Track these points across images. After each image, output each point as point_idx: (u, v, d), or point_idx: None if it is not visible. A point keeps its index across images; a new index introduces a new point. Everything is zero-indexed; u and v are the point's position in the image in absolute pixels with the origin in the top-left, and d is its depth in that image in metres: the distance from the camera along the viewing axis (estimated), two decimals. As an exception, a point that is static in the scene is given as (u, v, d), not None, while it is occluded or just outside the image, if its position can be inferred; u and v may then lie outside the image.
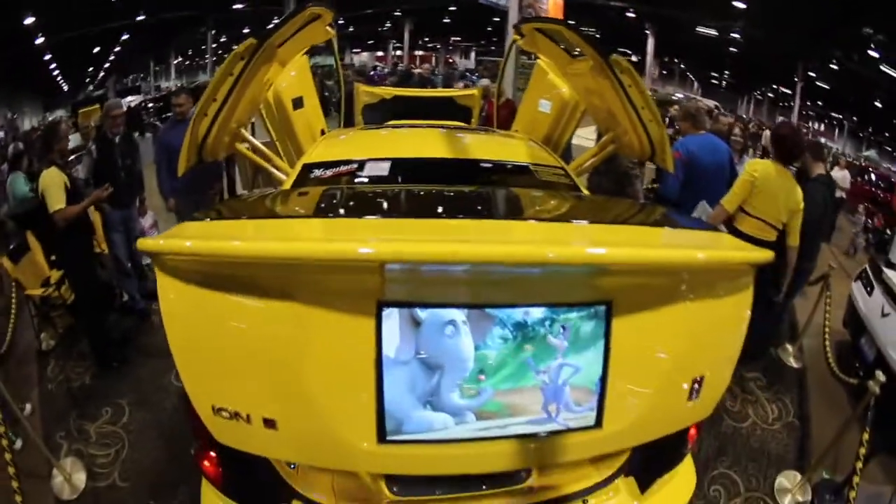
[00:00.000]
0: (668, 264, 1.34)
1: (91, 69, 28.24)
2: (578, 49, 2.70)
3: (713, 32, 21.79)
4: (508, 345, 1.28)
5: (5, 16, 14.30)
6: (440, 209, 1.72)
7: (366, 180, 2.33)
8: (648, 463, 1.71)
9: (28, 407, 3.39)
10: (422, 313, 1.25)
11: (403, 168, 2.42)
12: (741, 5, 15.87)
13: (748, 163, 3.34)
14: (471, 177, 2.42)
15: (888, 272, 4.08)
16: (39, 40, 17.78)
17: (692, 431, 1.80)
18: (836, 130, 30.92)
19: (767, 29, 17.86)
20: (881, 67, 15.79)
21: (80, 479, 2.98)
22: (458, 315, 1.25)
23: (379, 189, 2.12)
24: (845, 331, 4.40)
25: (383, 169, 2.38)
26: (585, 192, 2.53)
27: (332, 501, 1.62)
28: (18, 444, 3.08)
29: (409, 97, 5.00)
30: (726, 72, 32.51)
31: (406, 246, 1.17)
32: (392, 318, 1.24)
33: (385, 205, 1.83)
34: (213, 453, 1.58)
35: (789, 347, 4.27)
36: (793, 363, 4.16)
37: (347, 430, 1.30)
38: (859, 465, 2.55)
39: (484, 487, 1.63)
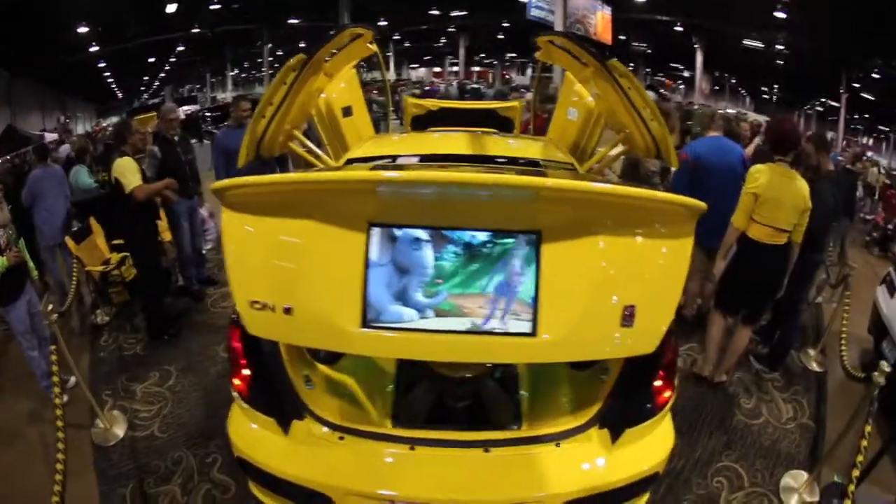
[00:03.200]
0: (584, 194, 1.61)
1: (146, 78, 29.07)
2: (583, 58, 2.91)
3: (759, 45, 21.23)
4: (459, 259, 1.65)
5: (61, 24, 14.81)
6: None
7: None
8: (620, 416, 1.95)
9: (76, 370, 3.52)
10: (397, 232, 1.65)
11: (431, 161, 2.80)
12: (782, 15, 15.47)
13: (749, 173, 3.25)
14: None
15: None
16: (94, 48, 18.19)
17: (665, 394, 1.98)
18: (884, 144, 29.71)
19: (808, 39, 17.38)
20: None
21: (120, 430, 3.24)
22: (423, 234, 1.64)
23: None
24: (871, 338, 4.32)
25: (414, 161, 2.79)
26: None
27: (337, 421, 1.97)
28: (72, 381, 3.47)
29: (454, 109, 5.15)
30: (776, 85, 31.50)
31: (390, 175, 1.69)
32: (376, 234, 1.64)
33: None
34: (245, 371, 1.99)
35: (811, 351, 4.25)
36: (814, 367, 4.13)
37: (341, 317, 1.66)
38: (860, 458, 2.56)
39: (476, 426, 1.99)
